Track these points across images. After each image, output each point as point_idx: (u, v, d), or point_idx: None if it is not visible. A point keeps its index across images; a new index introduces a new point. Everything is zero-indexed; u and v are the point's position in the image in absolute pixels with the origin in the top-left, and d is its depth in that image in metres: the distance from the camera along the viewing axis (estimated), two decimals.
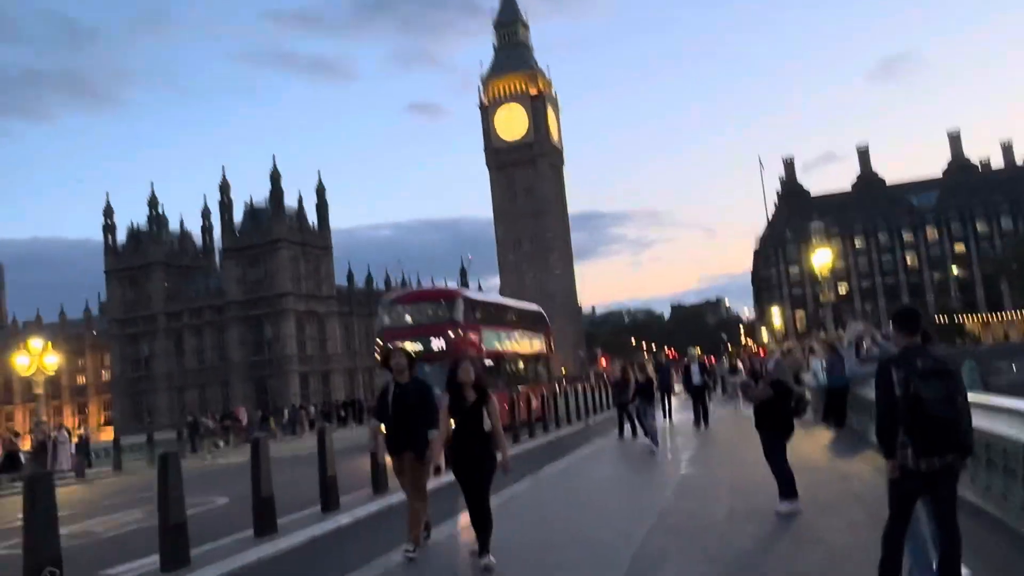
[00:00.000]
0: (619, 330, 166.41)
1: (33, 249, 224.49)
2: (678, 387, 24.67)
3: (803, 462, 9.85)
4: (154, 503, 13.43)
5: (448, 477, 7.05)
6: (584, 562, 6.19)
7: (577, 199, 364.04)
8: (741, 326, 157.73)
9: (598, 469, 12.56)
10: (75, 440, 26.36)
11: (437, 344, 20.33)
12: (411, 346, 17.47)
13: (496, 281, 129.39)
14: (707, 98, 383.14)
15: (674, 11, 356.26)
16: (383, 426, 7.23)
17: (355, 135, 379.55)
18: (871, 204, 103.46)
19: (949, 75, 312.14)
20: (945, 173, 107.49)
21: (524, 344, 26.59)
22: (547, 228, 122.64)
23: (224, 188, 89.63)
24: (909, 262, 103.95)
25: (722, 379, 28.17)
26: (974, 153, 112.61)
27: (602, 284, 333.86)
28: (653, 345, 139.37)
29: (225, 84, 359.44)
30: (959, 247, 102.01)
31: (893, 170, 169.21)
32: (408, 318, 22.76)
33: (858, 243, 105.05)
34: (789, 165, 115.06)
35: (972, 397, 4.84)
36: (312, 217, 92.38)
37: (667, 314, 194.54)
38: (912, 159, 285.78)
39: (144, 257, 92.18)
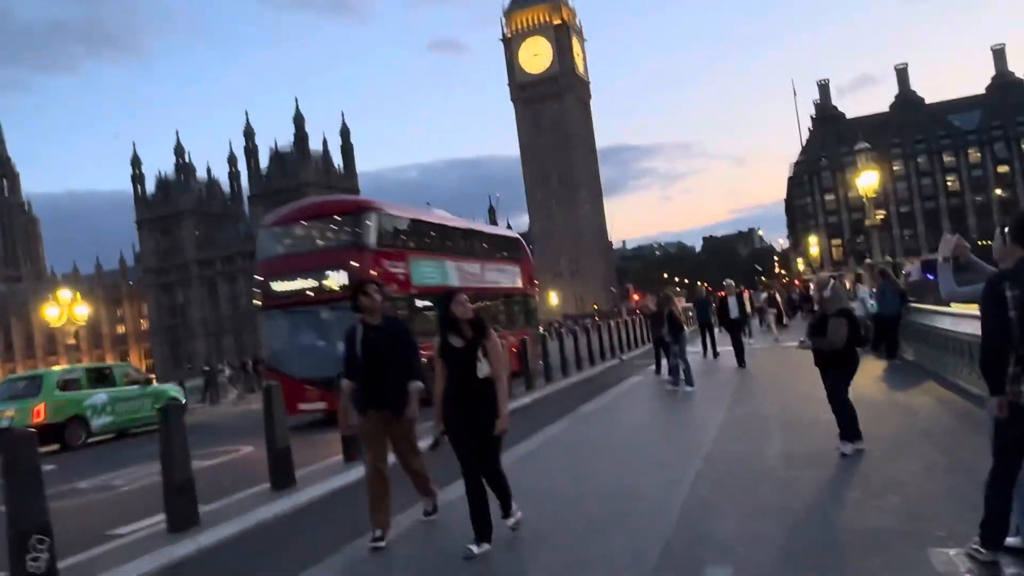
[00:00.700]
0: (650, 264, 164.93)
1: (68, 203, 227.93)
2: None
3: (858, 396, 9.01)
4: None
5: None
6: (627, 517, 5.51)
7: (605, 133, 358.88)
8: (775, 257, 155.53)
9: (635, 409, 11.78)
10: None
11: (336, 279, 14.92)
12: (299, 284, 15.46)
13: (525, 219, 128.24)
14: (737, 23, 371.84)
15: None
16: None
17: (377, 77, 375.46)
18: (910, 126, 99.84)
19: None
20: (988, 90, 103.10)
21: (487, 279, 20.70)
22: (575, 163, 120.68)
23: (248, 134, 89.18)
24: (950, 185, 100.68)
25: (760, 311, 27.22)
26: (1019, 68, 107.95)
27: (632, 219, 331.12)
28: (686, 279, 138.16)
29: (246, 28, 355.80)
30: (1002, 168, 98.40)
31: (933, 90, 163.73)
32: (294, 243, 16.53)
33: (896, 167, 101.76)
34: (824, 88, 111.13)
35: None
36: (337, 160, 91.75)
37: (699, 247, 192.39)
38: (953, 77, 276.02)
39: (174, 206, 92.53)
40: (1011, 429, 3.65)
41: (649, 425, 10.36)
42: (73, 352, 28.20)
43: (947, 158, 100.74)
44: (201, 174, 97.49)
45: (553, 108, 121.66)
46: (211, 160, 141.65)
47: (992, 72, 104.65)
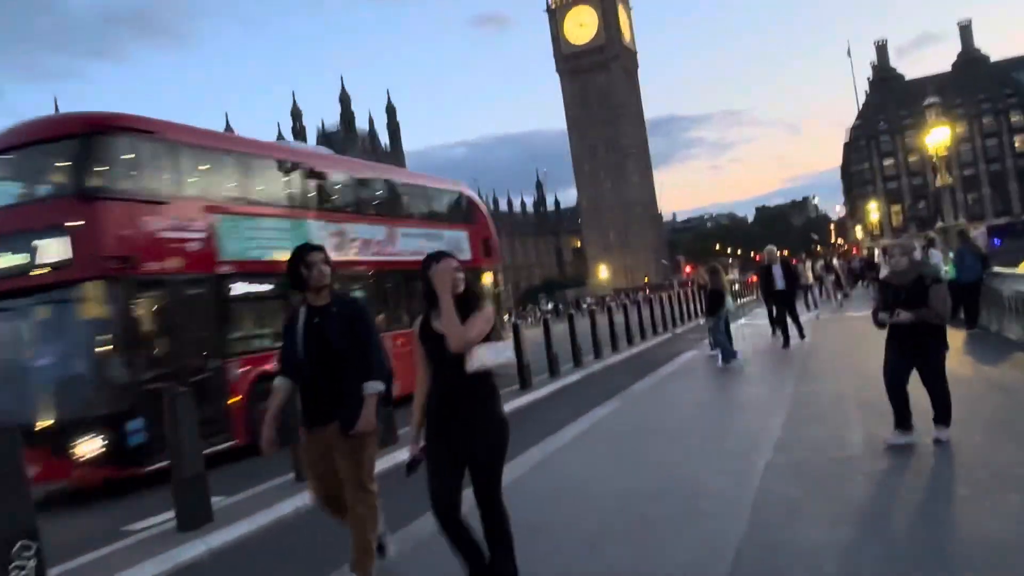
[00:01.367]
0: (702, 236, 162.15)
1: None
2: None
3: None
4: None
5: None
6: (688, 520, 4.72)
7: (652, 104, 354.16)
8: (831, 225, 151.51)
9: (691, 389, 10.72)
10: None
11: (48, 250, 8.88)
12: None
13: (574, 193, 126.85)
14: None
15: None
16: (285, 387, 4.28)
17: (422, 54, 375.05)
18: (974, 85, 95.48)
19: None
20: None
21: (404, 248, 13.97)
22: (623, 134, 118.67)
23: (296, 114, 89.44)
24: (1017, 146, 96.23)
25: (819, 280, 25.90)
26: None
27: (682, 190, 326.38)
28: (739, 250, 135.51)
29: (291, 10, 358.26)
30: None
31: (999, 47, 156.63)
32: None
33: (960, 129, 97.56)
34: (881, 49, 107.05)
35: None
36: (384, 138, 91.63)
37: (751, 217, 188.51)
38: (1020, 33, 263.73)
39: None
40: None
41: (707, 406, 9.34)
42: None
43: (1014, 118, 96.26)
44: None
45: (600, 79, 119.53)
46: None
47: None
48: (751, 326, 18.67)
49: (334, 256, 4.75)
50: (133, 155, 9.65)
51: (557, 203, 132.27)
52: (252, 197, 11.45)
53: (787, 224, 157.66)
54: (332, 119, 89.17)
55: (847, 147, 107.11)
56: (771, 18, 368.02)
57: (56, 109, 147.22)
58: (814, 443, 6.28)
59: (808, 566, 3.76)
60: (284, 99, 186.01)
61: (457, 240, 15.72)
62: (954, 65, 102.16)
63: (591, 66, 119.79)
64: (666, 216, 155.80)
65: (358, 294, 11.82)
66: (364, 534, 4.11)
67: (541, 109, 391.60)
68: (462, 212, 17.21)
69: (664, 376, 12.01)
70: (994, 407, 6.91)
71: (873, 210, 76.61)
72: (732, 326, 13.70)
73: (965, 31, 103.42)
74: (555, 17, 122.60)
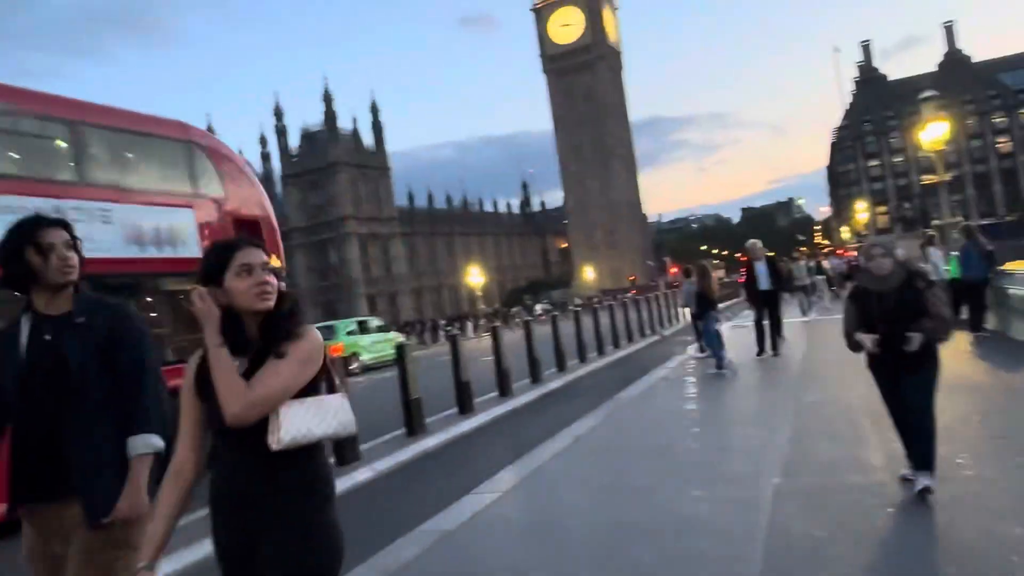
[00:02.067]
0: (688, 237, 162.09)
1: None
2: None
3: (957, 378, 7.40)
4: None
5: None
6: (692, 563, 3.94)
7: (638, 105, 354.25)
8: (817, 226, 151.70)
9: (683, 398, 9.80)
10: None
11: None
12: None
13: (559, 194, 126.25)
14: None
15: None
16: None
17: (409, 55, 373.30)
18: (958, 86, 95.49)
19: None
20: None
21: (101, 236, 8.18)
22: (608, 134, 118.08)
23: (278, 114, 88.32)
24: (1000, 147, 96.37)
25: (812, 282, 25.18)
26: None
27: (668, 191, 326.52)
28: (724, 251, 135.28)
29: (274, 7, 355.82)
30: None
31: (983, 48, 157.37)
32: None
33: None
34: (866, 50, 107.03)
35: None
36: (368, 138, 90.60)
37: (736, 218, 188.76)
38: (1003, 34, 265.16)
39: None
40: None
41: (702, 419, 8.34)
42: None
43: (997, 119, 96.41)
44: None
45: (585, 79, 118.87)
46: (243, 142, 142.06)
47: None
48: (741, 328, 17.98)
49: None
50: None
51: (543, 204, 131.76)
52: None
53: (772, 225, 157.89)
54: (315, 118, 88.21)
55: (833, 148, 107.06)
56: (756, 21, 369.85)
57: None
58: (828, 464, 5.48)
59: None
60: (268, 98, 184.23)
61: (181, 225, 9.55)
62: (939, 66, 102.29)
63: (576, 66, 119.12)
64: (652, 217, 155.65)
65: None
66: None
67: (527, 110, 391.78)
68: (195, 173, 10.19)
69: (653, 383, 11.19)
70: (1021, 420, 6.18)
71: (861, 210, 76.27)
72: (722, 328, 12.95)
73: (949, 32, 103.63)
74: (540, 17, 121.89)
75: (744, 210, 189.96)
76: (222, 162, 10.79)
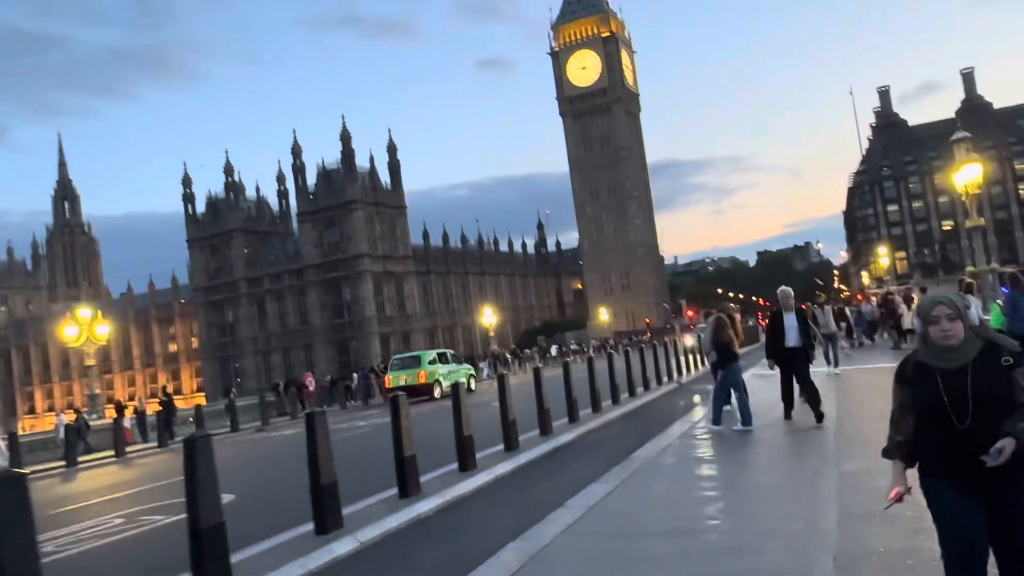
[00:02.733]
0: (704, 280, 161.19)
1: (128, 224, 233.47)
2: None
3: None
4: (154, 500, 11.22)
5: None
6: None
7: (655, 148, 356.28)
8: (835, 271, 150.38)
9: (705, 462, 8.87)
10: (129, 414, 24.79)
11: None
12: None
13: (575, 235, 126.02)
14: (791, 32, 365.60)
15: None
16: None
17: (426, 96, 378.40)
18: (978, 132, 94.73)
19: None
20: None
21: None
22: (625, 177, 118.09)
23: (296, 152, 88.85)
24: (1022, 193, 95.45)
25: (847, 328, 23.96)
26: None
27: (683, 233, 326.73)
28: (740, 294, 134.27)
29: (295, 50, 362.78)
30: None
31: (1002, 95, 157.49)
32: None
33: None
34: (884, 95, 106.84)
35: None
36: (385, 177, 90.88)
37: (752, 262, 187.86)
38: (1022, 82, 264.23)
39: (223, 224, 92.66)
40: None
41: (731, 490, 7.26)
42: (93, 374, 26.51)
43: (1018, 165, 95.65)
44: (251, 193, 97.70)
45: (602, 121, 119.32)
46: (260, 179, 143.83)
47: None
48: (763, 377, 17.14)
49: None
50: None
51: (558, 244, 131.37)
52: None
53: (789, 269, 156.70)
54: (333, 156, 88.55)
55: (851, 192, 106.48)
56: (774, 65, 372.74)
57: (60, 145, 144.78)
58: (892, 558, 4.62)
59: None
60: (287, 137, 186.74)
61: None
62: (958, 112, 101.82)
63: (593, 108, 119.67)
64: (668, 259, 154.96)
65: None
66: None
67: (544, 151, 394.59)
68: None
69: (672, 441, 10.42)
70: None
71: (883, 255, 75.26)
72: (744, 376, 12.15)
73: (968, 78, 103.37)
74: (558, 60, 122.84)
75: (760, 253, 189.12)
76: None
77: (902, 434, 3.34)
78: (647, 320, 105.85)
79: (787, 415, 11.13)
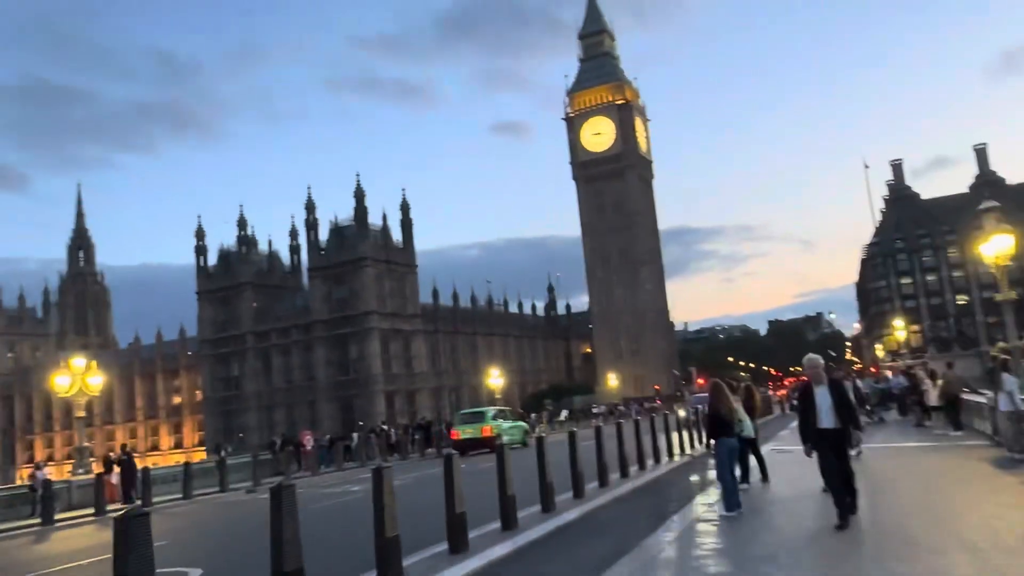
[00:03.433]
0: (714, 347, 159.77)
1: (141, 275, 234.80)
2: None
3: None
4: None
5: None
6: None
7: (667, 214, 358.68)
8: (847, 343, 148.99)
9: (730, 555, 7.69)
10: (117, 468, 23.91)
11: None
12: None
13: (585, 299, 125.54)
14: (801, 104, 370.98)
15: (760, 13, 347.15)
16: None
17: (441, 158, 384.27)
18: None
19: None
20: None
21: None
22: (636, 242, 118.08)
23: (310, 207, 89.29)
24: None
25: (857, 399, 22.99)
26: None
27: (695, 301, 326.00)
28: (751, 363, 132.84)
29: (314, 110, 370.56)
30: None
31: (1016, 171, 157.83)
32: None
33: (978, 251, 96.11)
34: (897, 168, 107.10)
35: None
36: (397, 235, 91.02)
37: (763, 330, 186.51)
38: None
39: (234, 277, 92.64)
40: None
41: None
42: (81, 426, 25.75)
43: None
44: (263, 247, 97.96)
45: (615, 186, 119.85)
46: (274, 234, 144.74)
47: None
48: (783, 452, 16.24)
49: None
50: None
51: (568, 307, 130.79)
52: None
53: (801, 339, 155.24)
54: (346, 213, 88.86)
55: (864, 264, 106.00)
56: (787, 136, 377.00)
57: (79, 196, 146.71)
58: None
59: None
60: (301, 192, 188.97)
61: None
62: (971, 187, 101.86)
63: (607, 174, 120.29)
64: (678, 326, 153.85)
65: None
66: None
67: (556, 214, 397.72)
68: None
69: (689, 524, 9.51)
70: None
71: (899, 327, 74.09)
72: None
73: (981, 154, 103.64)
74: (572, 125, 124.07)
75: (771, 322, 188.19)
76: None
77: None
78: (656, 387, 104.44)
79: (841, 519, 8.51)
